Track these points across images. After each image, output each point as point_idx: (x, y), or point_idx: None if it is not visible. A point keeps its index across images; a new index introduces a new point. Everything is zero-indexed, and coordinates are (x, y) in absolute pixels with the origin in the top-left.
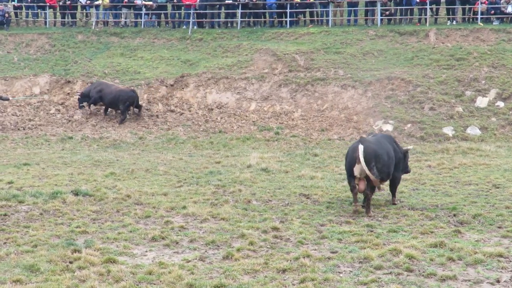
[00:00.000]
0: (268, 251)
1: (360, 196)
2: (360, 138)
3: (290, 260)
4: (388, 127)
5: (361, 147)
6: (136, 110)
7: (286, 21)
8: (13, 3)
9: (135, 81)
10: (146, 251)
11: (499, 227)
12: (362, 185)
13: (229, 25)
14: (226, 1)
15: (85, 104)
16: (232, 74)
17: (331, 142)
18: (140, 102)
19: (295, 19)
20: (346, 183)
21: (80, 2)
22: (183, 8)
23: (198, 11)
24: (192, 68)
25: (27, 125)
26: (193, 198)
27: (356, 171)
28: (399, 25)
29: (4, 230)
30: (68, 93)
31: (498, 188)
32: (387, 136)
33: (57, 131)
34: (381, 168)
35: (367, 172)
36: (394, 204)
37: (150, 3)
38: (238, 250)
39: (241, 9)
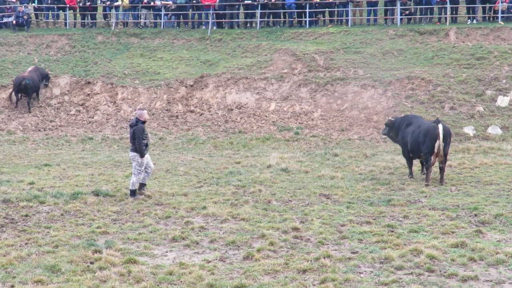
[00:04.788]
0: (288, 252)
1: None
2: (436, 120)
3: (311, 261)
4: None
5: (440, 126)
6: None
7: (305, 21)
8: (33, 4)
9: (155, 82)
10: (167, 252)
11: None
12: (436, 160)
13: (248, 25)
14: (245, 1)
15: None
16: (252, 74)
17: (351, 142)
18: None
19: (314, 18)
20: (366, 183)
21: (103, 2)
22: (202, 8)
23: (217, 12)
24: (212, 69)
25: (47, 126)
26: (213, 198)
27: (436, 147)
28: (419, 24)
29: (25, 230)
30: (88, 94)
31: None
32: None
33: (78, 132)
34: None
35: (441, 147)
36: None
37: (170, 2)
38: (258, 250)
39: (260, 9)
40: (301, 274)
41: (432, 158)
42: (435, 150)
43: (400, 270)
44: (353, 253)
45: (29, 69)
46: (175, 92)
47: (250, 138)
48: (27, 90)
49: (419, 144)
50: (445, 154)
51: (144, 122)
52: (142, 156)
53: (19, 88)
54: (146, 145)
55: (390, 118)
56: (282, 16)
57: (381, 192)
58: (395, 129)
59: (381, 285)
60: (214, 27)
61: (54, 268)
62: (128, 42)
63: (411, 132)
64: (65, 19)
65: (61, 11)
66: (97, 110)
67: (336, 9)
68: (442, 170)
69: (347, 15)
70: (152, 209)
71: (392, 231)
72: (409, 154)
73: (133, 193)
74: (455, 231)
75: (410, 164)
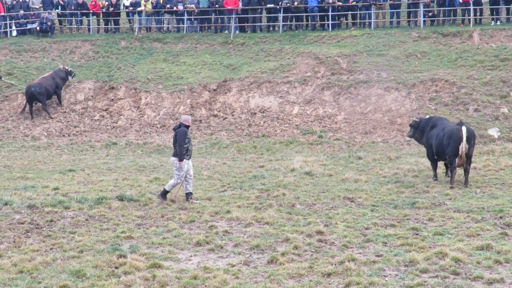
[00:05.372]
0: (312, 255)
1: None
2: (459, 122)
3: (335, 264)
4: None
5: (464, 128)
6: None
7: (328, 24)
8: (57, 10)
9: (178, 86)
10: (191, 256)
11: None
12: (460, 162)
13: (271, 29)
14: (268, 5)
15: None
16: (275, 78)
17: (375, 145)
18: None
19: (337, 22)
20: (390, 186)
21: (126, 7)
22: (225, 12)
23: (240, 16)
24: (235, 73)
25: (72, 132)
26: (237, 202)
27: (461, 149)
28: (442, 26)
29: (50, 236)
30: (112, 99)
31: None
32: None
33: (102, 137)
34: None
35: (465, 149)
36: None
37: (192, 6)
38: (282, 254)
39: (283, 13)
40: (326, 277)
41: (457, 160)
42: (460, 152)
43: (425, 273)
44: (378, 256)
45: (45, 75)
46: (199, 96)
47: (273, 142)
48: (37, 98)
49: (444, 147)
50: (470, 156)
51: (187, 127)
52: (180, 160)
53: (28, 96)
54: (187, 149)
55: (414, 119)
56: (304, 20)
57: (405, 195)
58: (420, 131)
59: None
60: (237, 31)
61: (79, 273)
62: (151, 47)
63: (436, 135)
64: (89, 24)
65: (84, 17)
66: (121, 115)
67: (358, 12)
68: (467, 172)
69: (370, 17)
70: (176, 213)
71: (417, 234)
72: (434, 157)
73: (164, 194)
74: (480, 234)
75: (434, 167)
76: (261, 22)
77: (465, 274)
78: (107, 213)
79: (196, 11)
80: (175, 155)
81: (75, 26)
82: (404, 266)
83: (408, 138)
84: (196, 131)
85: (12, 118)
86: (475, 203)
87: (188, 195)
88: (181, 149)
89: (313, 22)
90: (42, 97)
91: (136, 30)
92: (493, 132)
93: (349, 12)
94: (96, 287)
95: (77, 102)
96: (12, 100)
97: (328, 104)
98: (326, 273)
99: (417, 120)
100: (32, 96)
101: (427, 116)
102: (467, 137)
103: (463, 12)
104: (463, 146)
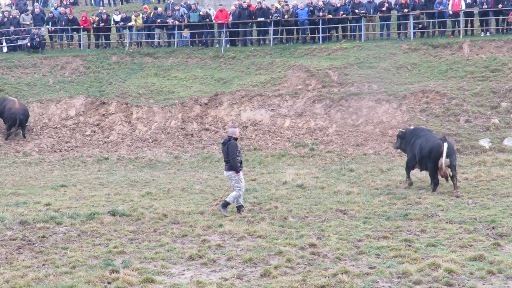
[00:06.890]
0: (305, 268)
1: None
2: (441, 137)
3: (328, 277)
4: None
5: (445, 144)
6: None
7: (318, 37)
8: (47, 26)
9: (170, 101)
10: (184, 270)
11: None
12: (444, 173)
13: (261, 42)
14: (258, 19)
15: None
16: (266, 91)
17: (367, 157)
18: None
19: (327, 34)
20: (382, 197)
21: (117, 22)
22: (216, 26)
23: (230, 29)
24: (226, 86)
25: (63, 147)
26: (229, 216)
27: (440, 163)
28: (432, 38)
29: (42, 252)
30: (103, 114)
31: None
32: None
33: (93, 152)
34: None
35: (446, 163)
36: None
37: (186, 31)
38: (275, 267)
39: (273, 26)
40: None
41: (438, 173)
42: (439, 166)
43: (418, 285)
44: (371, 268)
45: (16, 101)
46: (190, 110)
47: (265, 155)
48: (23, 124)
49: (425, 159)
50: (454, 166)
51: (236, 139)
52: (237, 171)
53: (17, 123)
54: (240, 162)
55: (401, 129)
56: (295, 33)
57: (397, 207)
58: (406, 141)
59: None
60: (228, 45)
61: None
62: (142, 61)
63: (419, 145)
64: (79, 40)
65: (75, 33)
66: (112, 130)
67: (349, 24)
68: (454, 178)
69: (360, 30)
70: (169, 228)
71: (410, 246)
72: (413, 166)
73: (225, 205)
74: (473, 244)
75: (408, 172)
76: (251, 35)
77: (458, 285)
78: (99, 228)
79: (187, 34)
80: (229, 169)
81: (66, 41)
82: (397, 277)
83: (395, 148)
84: (188, 145)
85: (2, 134)
86: (467, 214)
87: (240, 207)
88: (235, 161)
89: (304, 35)
90: (26, 122)
91: (127, 45)
92: (484, 142)
93: (339, 25)
94: None
95: (68, 117)
96: None
97: (320, 116)
98: (320, 285)
99: (403, 130)
100: (20, 123)
101: (412, 127)
102: (447, 153)
103: (453, 24)
104: (443, 161)
